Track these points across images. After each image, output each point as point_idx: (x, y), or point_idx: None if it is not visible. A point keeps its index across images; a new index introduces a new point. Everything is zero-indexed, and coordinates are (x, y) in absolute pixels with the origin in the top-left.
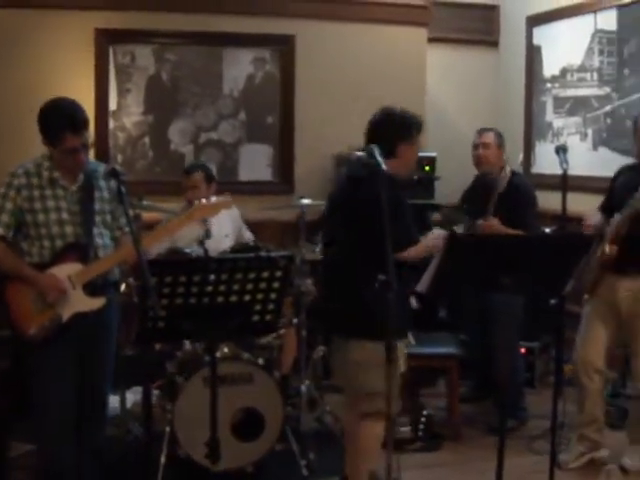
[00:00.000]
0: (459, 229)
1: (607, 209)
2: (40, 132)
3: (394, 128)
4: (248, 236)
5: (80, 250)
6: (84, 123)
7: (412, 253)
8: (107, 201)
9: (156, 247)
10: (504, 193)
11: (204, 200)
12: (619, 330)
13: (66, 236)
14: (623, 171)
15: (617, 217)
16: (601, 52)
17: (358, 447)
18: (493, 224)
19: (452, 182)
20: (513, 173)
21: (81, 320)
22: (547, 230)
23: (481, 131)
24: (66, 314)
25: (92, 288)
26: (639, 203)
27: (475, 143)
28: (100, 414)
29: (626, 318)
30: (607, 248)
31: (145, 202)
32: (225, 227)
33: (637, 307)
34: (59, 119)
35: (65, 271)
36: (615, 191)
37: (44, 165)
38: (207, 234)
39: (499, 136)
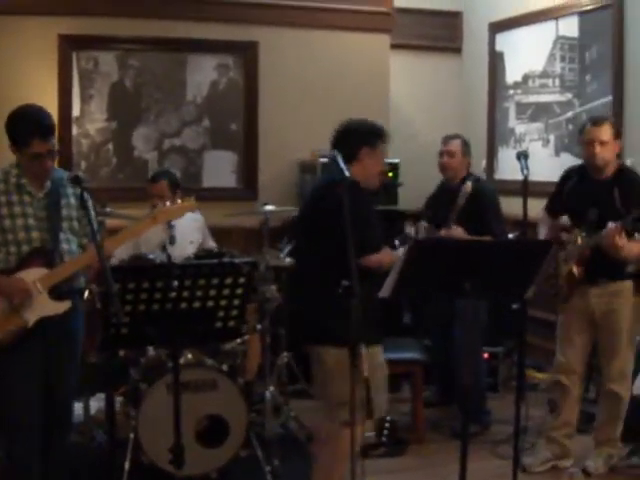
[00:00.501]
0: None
1: (553, 210)
2: (8, 138)
3: (358, 133)
4: (211, 244)
5: (46, 255)
6: (51, 129)
7: (374, 260)
8: (74, 208)
9: (121, 251)
10: (468, 200)
11: (168, 202)
12: (594, 336)
13: (32, 242)
14: (570, 174)
15: (577, 238)
16: (563, 58)
17: (337, 452)
18: (457, 234)
19: (415, 188)
20: (476, 180)
21: (47, 325)
22: (510, 236)
23: (446, 139)
24: (32, 319)
25: (57, 292)
26: (604, 240)
27: (440, 151)
28: (67, 420)
29: (600, 323)
30: (574, 270)
31: (108, 209)
32: (189, 234)
33: (610, 311)
34: (27, 124)
35: (31, 276)
36: (565, 197)
37: (12, 172)
38: (171, 240)
39: (465, 144)
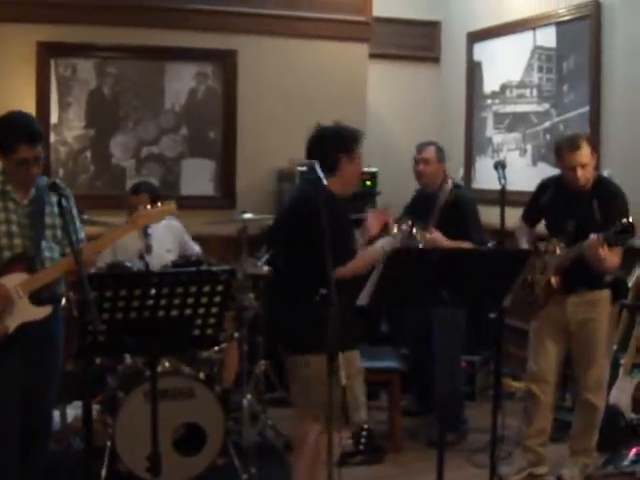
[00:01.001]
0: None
1: (530, 219)
2: None
3: (334, 141)
4: (195, 248)
5: (27, 261)
6: (39, 135)
7: (348, 270)
8: (58, 216)
9: (100, 257)
10: (446, 207)
11: (148, 206)
12: (568, 345)
13: (14, 248)
14: (547, 184)
15: (555, 249)
16: (540, 69)
17: (314, 459)
18: (436, 237)
19: (394, 197)
20: (455, 186)
21: (27, 331)
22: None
23: (420, 146)
24: (12, 325)
25: (38, 298)
26: (586, 250)
27: (415, 158)
28: (46, 427)
29: (576, 332)
30: (552, 280)
31: (86, 216)
32: (167, 242)
33: (587, 321)
34: (14, 130)
35: (12, 281)
36: (542, 207)
37: None
38: (148, 249)
39: (439, 150)
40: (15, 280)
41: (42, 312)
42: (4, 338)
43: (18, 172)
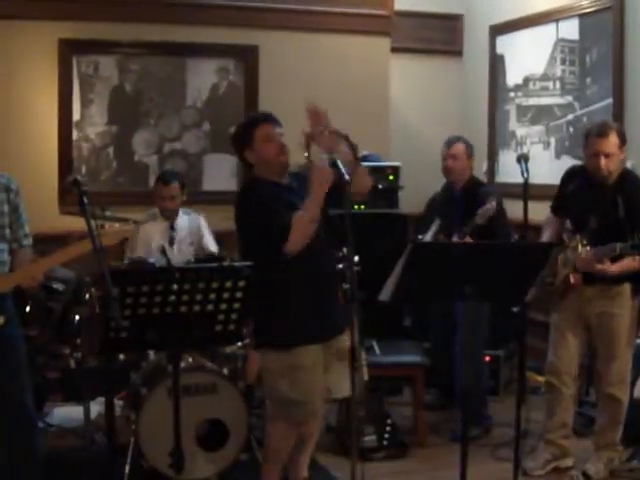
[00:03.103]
0: (426, 237)
1: (558, 210)
2: None
3: (233, 143)
4: (210, 247)
5: None
6: None
7: (300, 219)
8: (6, 215)
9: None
10: (473, 203)
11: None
12: (588, 337)
13: None
14: (573, 175)
15: (577, 245)
16: (563, 61)
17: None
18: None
19: (416, 191)
20: (481, 183)
21: None
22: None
23: (449, 142)
24: None
25: None
26: (580, 267)
27: (444, 154)
28: (27, 417)
29: (597, 326)
30: (572, 278)
31: (109, 213)
32: (189, 235)
33: (607, 315)
34: None
35: None
36: (567, 200)
37: None
38: (171, 241)
39: (468, 146)
40: None
41: None
42: None
43: None
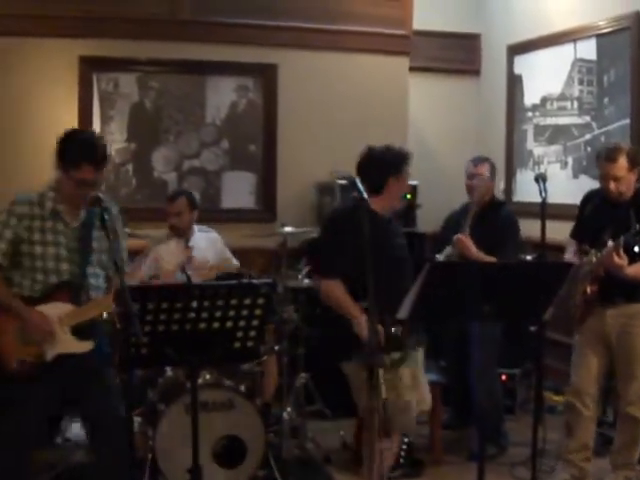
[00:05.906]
0: (441, 256)
1: (578, 235)
2: (57, 155)
3: (383, 163)
4: (233, 262)
5: (72, 290)
6: (105, 159)
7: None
8: (105, 240)
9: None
10: (487, 220)
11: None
12: (609, 358)
13: (61, 273)
14: (590, 197)
15: (592, 258)
16: (581, 81)
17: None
18: (466, 240)
19: (434, 210)
20: (500, 203)
21: (65, 361)
22: (528, 258)
23: (476, 161)
24: (51, 353)
25: (80, 331)
26: (604, 259)
27: (470, 173)
28: (118, 429)
29: (616, 345)
30: (588, 289)
31: (128, 230)
32: (207, 254)
33: (626, 334)
34: (81, 146)
35: (56, 310)
36: (584, 220)
37: (48, 195)
38: (189, 260)
39: (493, 167)
40: (58, 310)
41: (84, 347)
42: (41, 364)
43: (74, 191)
